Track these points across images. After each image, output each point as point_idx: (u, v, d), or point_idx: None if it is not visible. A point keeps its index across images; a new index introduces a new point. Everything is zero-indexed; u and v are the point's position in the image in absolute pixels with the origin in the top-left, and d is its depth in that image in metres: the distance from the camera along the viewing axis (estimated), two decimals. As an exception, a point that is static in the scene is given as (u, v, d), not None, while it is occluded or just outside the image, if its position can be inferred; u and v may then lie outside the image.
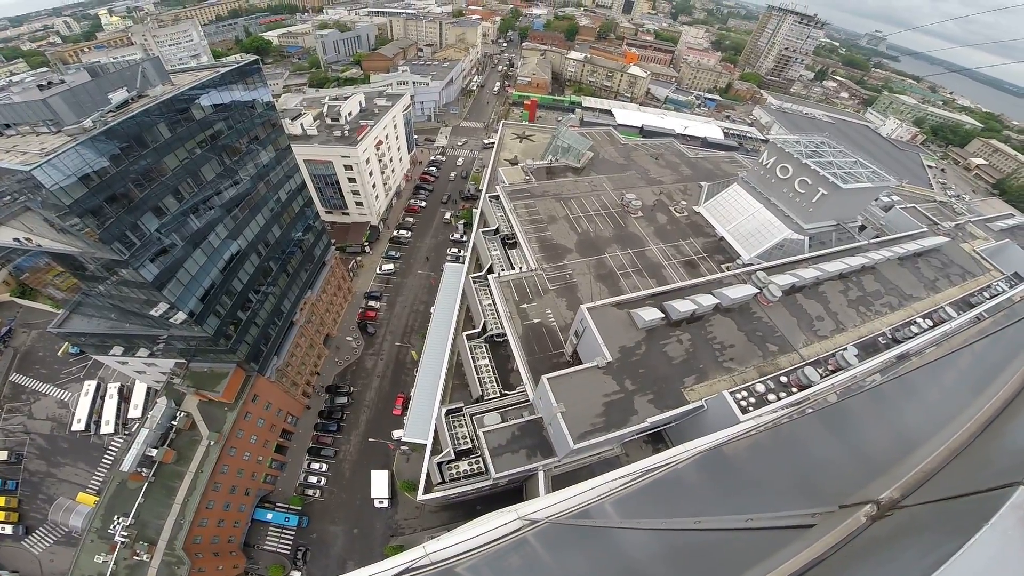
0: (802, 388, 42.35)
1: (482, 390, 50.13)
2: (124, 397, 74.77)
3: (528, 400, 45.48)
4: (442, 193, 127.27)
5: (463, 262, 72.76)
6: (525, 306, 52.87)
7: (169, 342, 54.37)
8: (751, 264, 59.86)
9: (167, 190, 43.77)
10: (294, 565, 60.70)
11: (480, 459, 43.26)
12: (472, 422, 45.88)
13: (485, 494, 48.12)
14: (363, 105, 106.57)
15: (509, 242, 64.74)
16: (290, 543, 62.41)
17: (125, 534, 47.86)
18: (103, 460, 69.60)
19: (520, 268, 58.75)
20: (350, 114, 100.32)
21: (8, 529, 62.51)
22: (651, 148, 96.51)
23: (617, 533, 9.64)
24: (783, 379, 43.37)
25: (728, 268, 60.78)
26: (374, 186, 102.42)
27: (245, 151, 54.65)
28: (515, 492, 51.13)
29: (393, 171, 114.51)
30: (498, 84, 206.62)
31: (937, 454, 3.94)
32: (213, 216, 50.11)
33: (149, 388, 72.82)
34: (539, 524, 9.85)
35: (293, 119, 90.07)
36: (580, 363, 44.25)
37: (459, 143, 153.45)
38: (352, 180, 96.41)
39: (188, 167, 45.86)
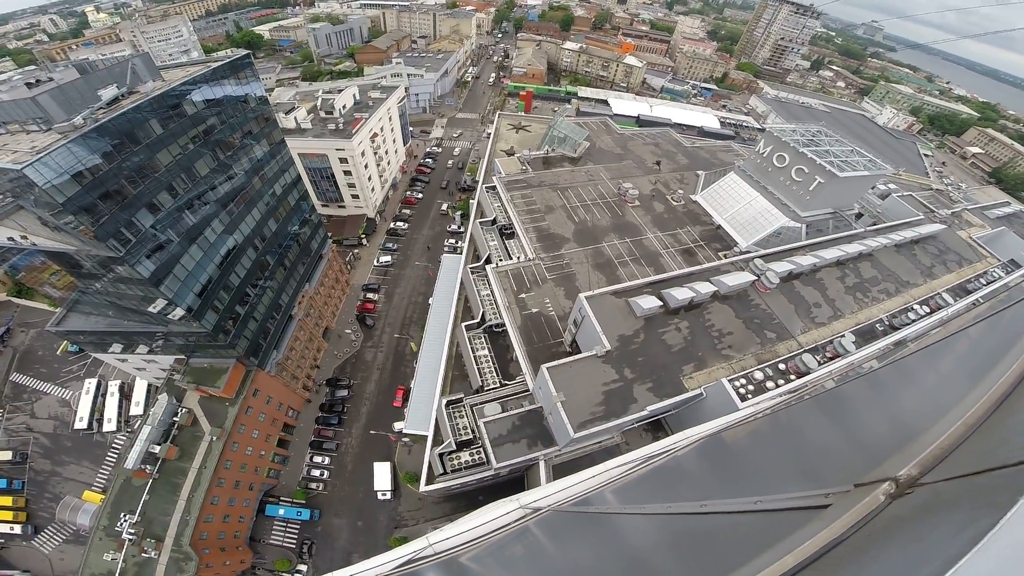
0: (800, 375, 42.49)
1: (482, 380, 50.29)
2: (125, 394, 74.69)
3: (528, 390, 45.67)
4: (438, 184, 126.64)
5: (461, 253, 72.56)
6: (523, 296, 52.82)
7: (168, 338, 54.17)
8: (748, 252, 59.86)
9: (161, 186, 43.30)
10: (300, 558, 61.15)
11: (481, 449, 43.57)
12: (473, 413, 46.15)
13: (487, 484, 48.48)
14: (357, 98, 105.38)
15: (506, 232, 64.53)
16: (296, 537, 62.81)
17: (132, 531, 47.87)
18: (107, 458, 69.64)
19: (518, 258, 58.58)
20: (344, 107, 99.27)
21: (17, 529, 62.51)
22: (648, 137, 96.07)
23: (620, 520, 9.63)
24: (781, 366, 43.53)
25: (725, 256, 60.75)
26: (370, 178, 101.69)
27: (239, 146, 54.07)
28: (517, 482, 51.50)
29: (389, 163, 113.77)
30: (493, 75, 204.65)
31: (953, 431, 3.87)
32: (208, 211, 49.69)
33: (150, 385, 72.73)
34: (541, 512, 9.83)
35: (287, 113, 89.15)
36: (579, 352, 44.36)
37: (455, 134, 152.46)
38: (348, 173, 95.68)
39: (182, 163, 45.38)
